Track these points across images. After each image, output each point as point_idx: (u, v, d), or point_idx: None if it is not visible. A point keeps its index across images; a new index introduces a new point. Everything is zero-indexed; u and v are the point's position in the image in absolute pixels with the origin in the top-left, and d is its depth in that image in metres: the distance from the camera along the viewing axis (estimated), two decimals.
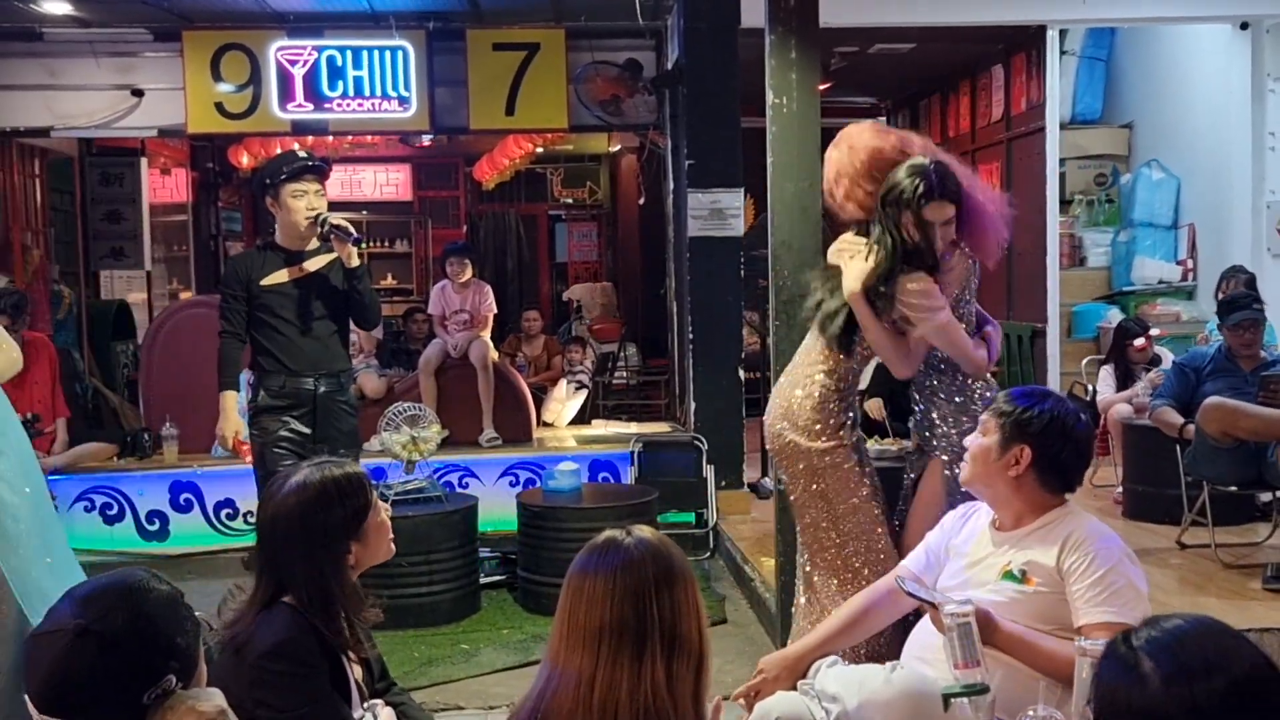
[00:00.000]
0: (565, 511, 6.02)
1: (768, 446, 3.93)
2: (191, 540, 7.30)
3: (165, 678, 1.75)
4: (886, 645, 3.39)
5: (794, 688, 2.85)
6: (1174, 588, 4.97)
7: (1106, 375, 7.03)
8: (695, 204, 7.48)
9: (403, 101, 8.48)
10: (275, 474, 4.57)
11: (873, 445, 5.60)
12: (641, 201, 11.02)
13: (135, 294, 10.71)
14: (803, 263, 4.45)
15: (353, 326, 5.26)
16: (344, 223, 4.97)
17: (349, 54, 8.43)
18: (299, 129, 8.81)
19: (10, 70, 8.57)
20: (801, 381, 3.77)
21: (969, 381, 3.75)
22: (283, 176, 4.95)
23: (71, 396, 7.68)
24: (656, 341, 10.62)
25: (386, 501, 2.74)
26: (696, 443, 7.33)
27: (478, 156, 12.60)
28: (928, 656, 2.77)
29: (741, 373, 7.63)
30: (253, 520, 6.48)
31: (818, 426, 3.70)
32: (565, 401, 9.03)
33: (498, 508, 6.98)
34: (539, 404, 8.74)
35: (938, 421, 3.74)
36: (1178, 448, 5.56)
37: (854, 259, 3.66)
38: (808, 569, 3.83)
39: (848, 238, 3.81)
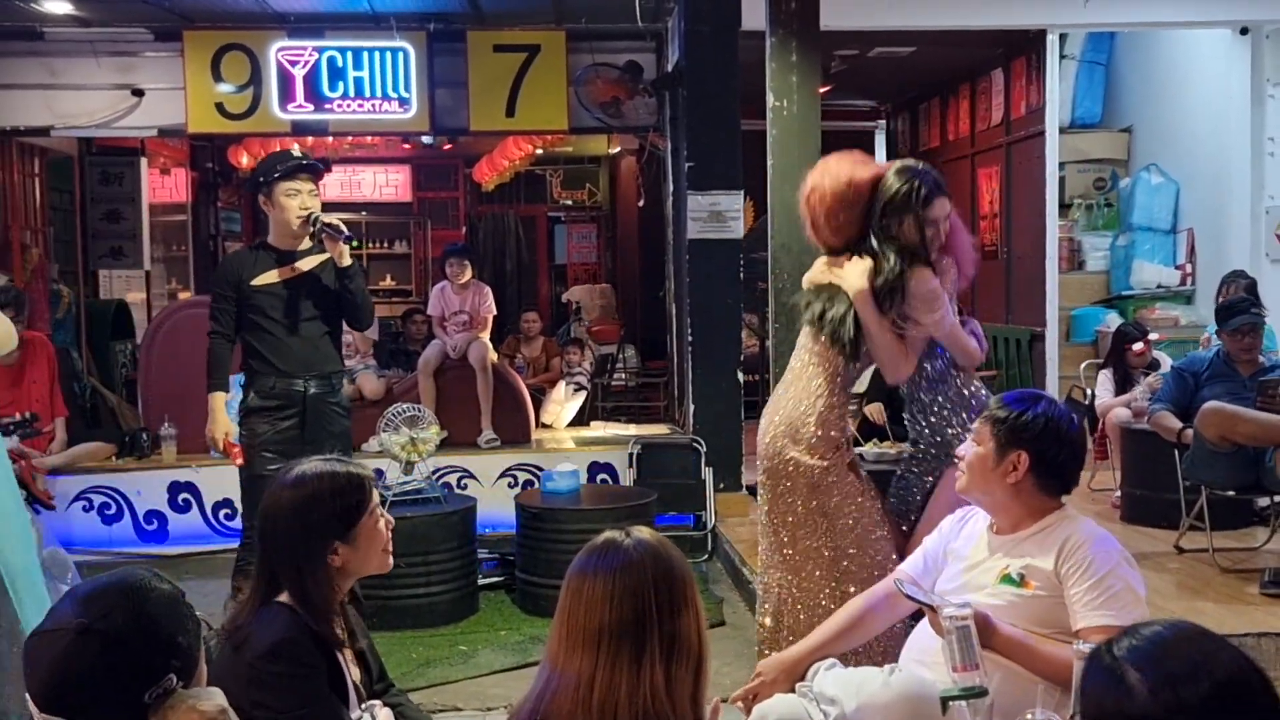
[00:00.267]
0: (563, 513, 6.02)
1: (763, 464, 3.80)
2: (190, 540, 7.30)
3: (166, 677, 1.75)
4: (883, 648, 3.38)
5: (792, 690, 2.85)
6: (1172, 592, 4.98)
7: (1105, 379, 7.04)
8: (695, 206, 7.48)
9: (403, 102, 8.48)
10: (262, 477, 4.61)
11: (871, 449, 5.62)
12: (641, 203, 11.02)
13: (134, 294, 10.71)
14: (802, 266, 4.44)
15: (346, 327, 5.23)
16: (336, 221, 4.92)
17: (349, 55, 8.44)
18: (299, 129, 8.81)
19: (10, 69, 8.57)
20: (802, 397, 3.72)
21: (963, 389, 3.77)
22: (276, 175, 4.91)
23: (70, 396, 7.67)
24: (655, 343, 10.62)
25: (386, 505, 2.72)
26: (695, 445, 7.33)
27: (477, 158, 12.60)
28: (926, 659, 2.77)
29: (740, 375, 7.63)
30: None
31: (821, 444, 3.67)
32: (564, 403, 9.03)
33: (496, 509, 6.99)
34: (538, 405, 8.74)
35: (951, 436, 3.72)
36: (1176, 452, 5.57)
37: (850, 264, 3.67)
38: (781, 590, 3.73)
39: (823, 260, 3.82)
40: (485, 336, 8.16)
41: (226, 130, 8.75)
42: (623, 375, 10.76)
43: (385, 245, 14.33)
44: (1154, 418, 5.74)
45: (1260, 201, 8.28)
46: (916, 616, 3.03)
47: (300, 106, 8.44)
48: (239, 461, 4.91)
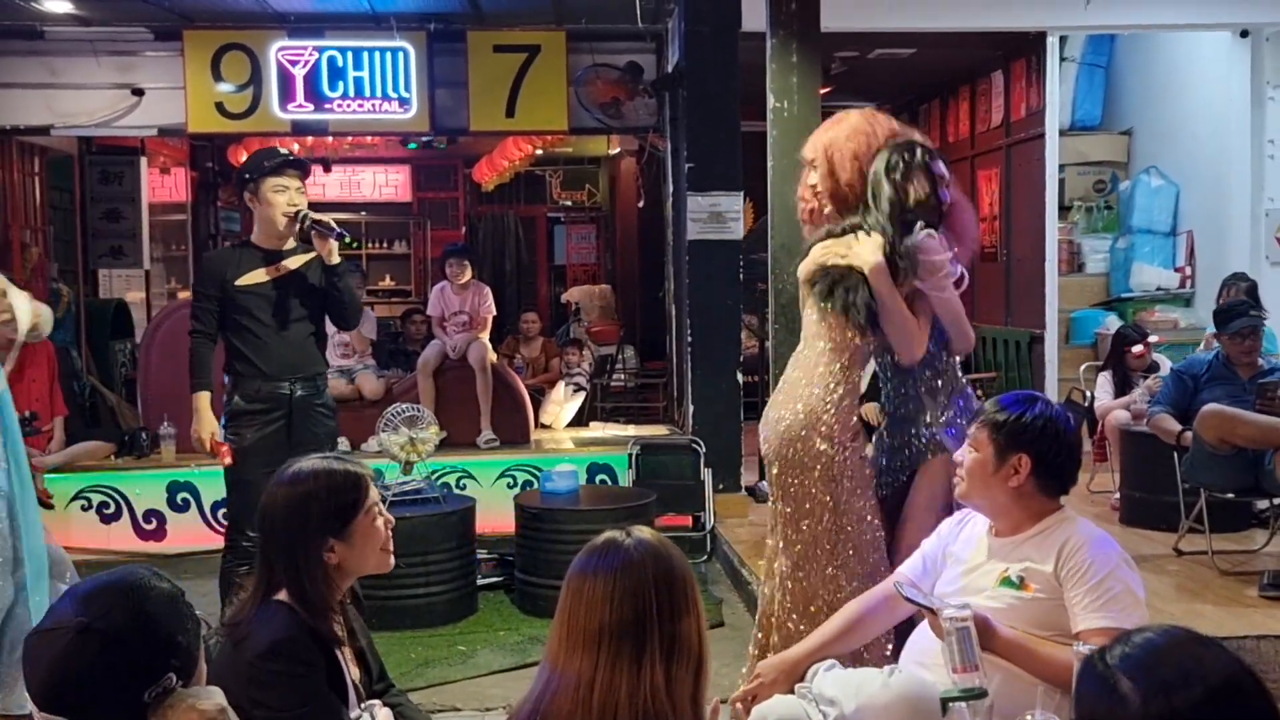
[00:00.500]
0: (563, 513, 6.02)
1: (775, 452, 3.60)
2: (189, 540, 7.30)
3: (166, 676, 1.75)
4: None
5: (791, 691, 2.85)
6: (1171, 594, 4.98)
7: (1105, 382, 7.04)
8: (694, 207, 7.49)
9: (403, 102, 8.48)
10: (248, 481, 4.58)
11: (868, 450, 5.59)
12: (641, 204, 11.03)
13: (134, 293, 10.71)
14: None
15: (337, 328, 5.13)
16: (327, 219, 4.85)
17: (349, 55, 8.44)
18: (299, 129, 8.81)
19: (11, 68, 8.57)
20: (819, 380, 3.56)
21: (938, 380, 3.65)
22: (265, 170, 4.83)
23: (69, 395, 7.67)
24: (655, 344, 10.63)
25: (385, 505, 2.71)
26: (694, 445, 7.33)
27: (477, 158, 12.60)
28: (926, 661, 2.77)
29: (740, 376, 7.63)
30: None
31: (839, 430, 3.53)
32: (563, 403, 9.03)
33: (495, 509, 6.99)
34: (537, 406, 8.74)
35: (929, 421, 3.61)
36: (1175, 454, 5.57)
37: (860, 243, 3.52)
38: (778, 593, 3.58)
39: (820, 245, 3.65)
40: (485, 337, 8.16)
41: (226, 130, 8.75)
42: (622, 376, 10.76)
43: (385, 245, 14.32)
44: (1153, 420, 5.74)
45: (1260, 204, 8.29)
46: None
47: (300, 106, 8.44)
48: (227, 461, 4.81)
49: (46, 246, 9.69)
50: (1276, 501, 5.53)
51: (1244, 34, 8.31)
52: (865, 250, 3.49)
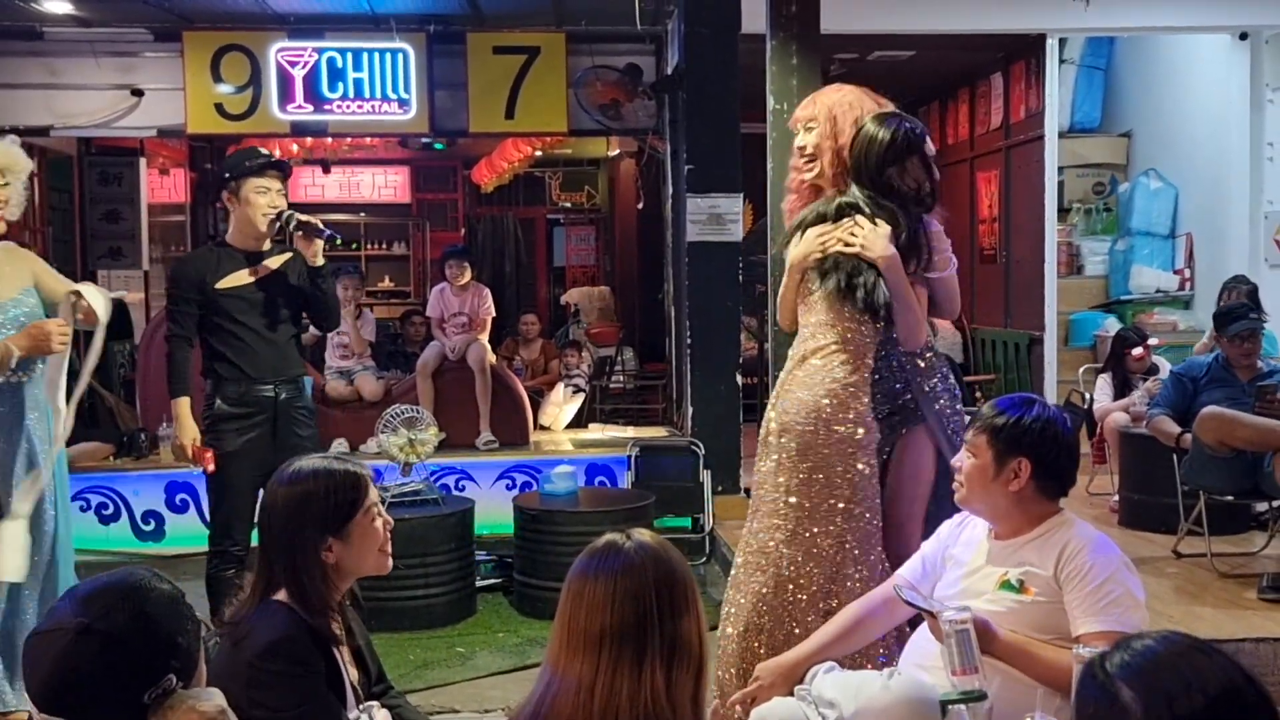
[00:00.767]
0: (562, 515, 6.01)
1: (789, 439, 3.44)
2: (187, 541, 7.27)
3: (166, 677, 1.75)
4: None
5: (791, 694, 2.85)
6: (1170, 597, 4.97)
7: (1104, 384, 7.04)
8: (694, 209, 7.49)
9: (402, 104, 8.49)
10: (231, 487, 4.56)
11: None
12: (640, 206, 11.03)
13: (132, 294, 10.69)
14: None
15: (318, 330, 5.02)
16: (313, 220, 4.77)
17: (349, 56, 8.45)
18: (298, 130, 8.81)
19: (10, 69, 8.58)
20: (840, 360, 3.42)
21: (928, 350, 3.59)
22: (246, 170, 4.73)
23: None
24: (654, 346, 10.63)
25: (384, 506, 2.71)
26: (693, 447, 7.32)
27: (476, 159, 12.60)
28: (926, 663, 2.77)
29: (739, 378, 7.63)
30: None
31: (858, 417, 3.40)
32: (562, 405, 9.03)
33: (494, 511, 6.98)
34: (536, 407, 8.74)
35: (908, 400, 3.52)
36: (1174, 457, 5.57)
37: (863, 227, 3.43)
38: (767, 591, 3.51)
39: (816, 230, 3.52)
40: (484, 338, 8.17)
41: (226, 131, 8.75)
42: (621, 378, 10.76)
43: (384, 247, 14.32)
44: (1152, 422, 5.74)
45: (1259, 207, 8.30)
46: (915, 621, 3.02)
47: (300, 107, 8.44)
48: (210, 468, 4.66)
49: (46, 247, 9.68)
50: (1276, 504, 5.53)
51: (1243, 36, 8.32)
52: (877, 243, 3.42)
